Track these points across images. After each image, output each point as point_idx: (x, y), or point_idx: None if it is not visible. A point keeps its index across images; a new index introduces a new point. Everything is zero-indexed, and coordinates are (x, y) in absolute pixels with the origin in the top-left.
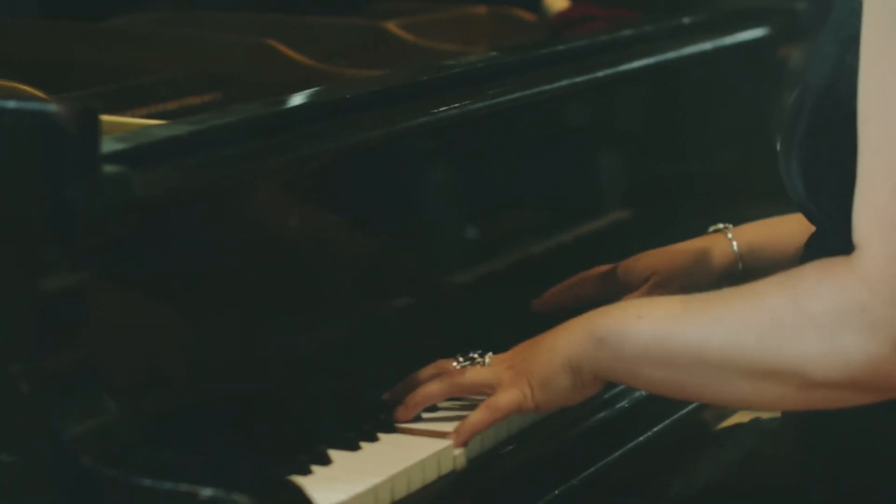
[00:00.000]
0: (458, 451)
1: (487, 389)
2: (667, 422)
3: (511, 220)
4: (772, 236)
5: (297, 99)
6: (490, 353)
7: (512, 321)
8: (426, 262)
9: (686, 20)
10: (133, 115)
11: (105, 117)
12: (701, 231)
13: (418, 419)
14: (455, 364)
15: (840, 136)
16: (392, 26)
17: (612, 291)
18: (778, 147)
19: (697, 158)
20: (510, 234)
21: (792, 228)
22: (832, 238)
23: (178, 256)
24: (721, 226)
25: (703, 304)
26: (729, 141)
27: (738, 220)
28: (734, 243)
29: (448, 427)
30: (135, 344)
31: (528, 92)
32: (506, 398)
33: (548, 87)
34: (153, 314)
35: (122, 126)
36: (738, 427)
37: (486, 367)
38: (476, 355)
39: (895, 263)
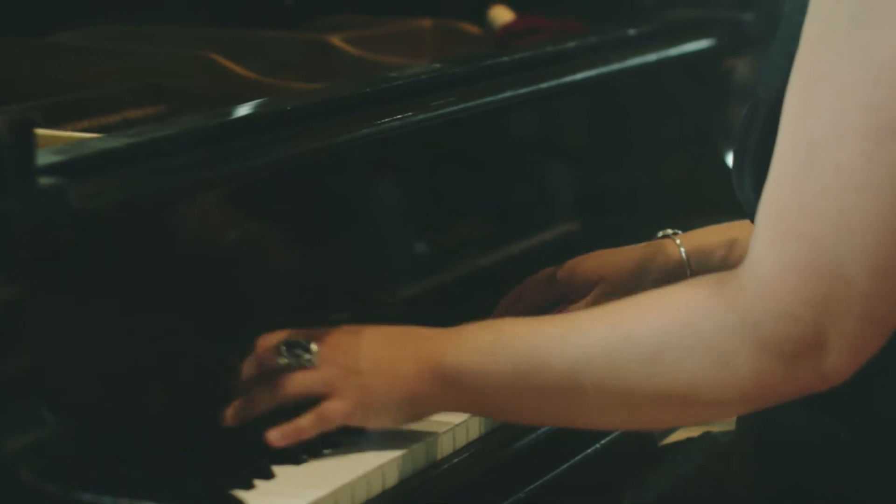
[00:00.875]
0: (402, 463)
1: (316, 395)
2: (615, 434)
3: (457, 233)
4: (720, 242)
5: (238, 110)
6: (314, 345)
7: None
8: (371, 275)
9: (631, 31)
10: (74, 129)
11: (43, 131)
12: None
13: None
14: (279, 352)
15: None
16: (336, 40)
17: (558, 296)
18: (729, 160)
19: (643, 170)
20: (456, 247)
21: (740, 234)
22: None
23: (117, 269)
24: (670, 231)
25: (574, 324)
26: (675, 152)
27: (685, 231)
28: (682, 249)
29: (396, 441)
30: (75, 357)
31: (471, 103)
32: (337, 410)
33: (491, 98)
34: (93, 327)
35: (60, 140)
36: (688, 441)
37: (315, 371)
38: (300, 350)
39: (789, 277)
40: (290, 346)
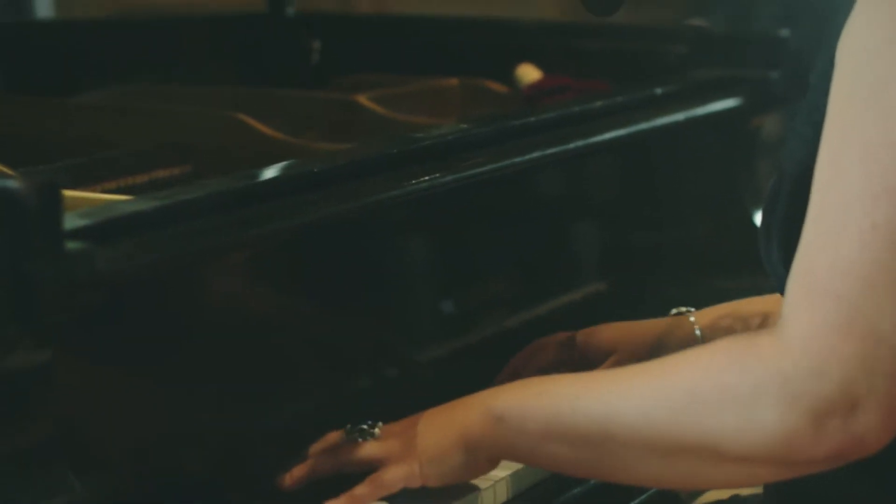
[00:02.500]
0: None
1: (376, 464)
2: (644, 495)
3: (484, 294)
4: (735, 319)
5: (265, 172)
6: (380, 424)
7: None
8: (398, 336)
9: (658, 91)
10: (101, 189)
11: (71, 192)
12: (674, 303)
13: None
14: (345, 435)
15: None
16: (363, 99)
17: (571, 361)
18: (757, 220)
19: (671, 229)
20: (483, 308)
21: (754, 310)
22: None
23: (145, 332)
24: (683, 309)
25: (611, 378)
26: (702, 211)
27: (711, 292)
28: (697, 328)
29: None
30: (101, 421)
31: (498, 164)
32: (392, 474)
33: (519, 158)
34: (120, 391)
35: (88, 201)
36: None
37: (375, 442)
38: (366, 426)
39: (821, 334)
40: (357, 428)
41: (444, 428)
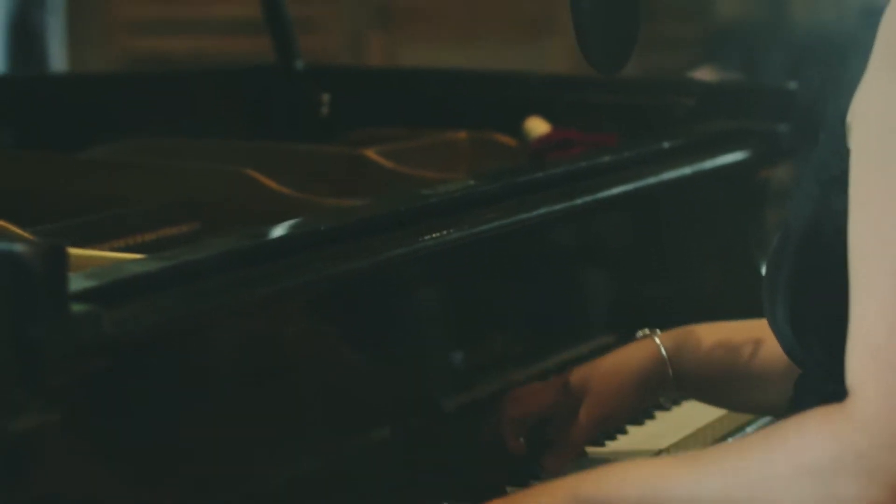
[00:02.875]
0: None
1: None
2: None
3: (493, 348)
4: (727, 350)
5: (272, 231)
6: None
7: (495, 451)
8: (409, 391)
9: (665, 144)
10: (110, 247)
11: (78, 251)
12: None
13: None
14: None
15: (828, 280)
16: (371, 153)
17: (555, 403)
18: (762, 286)
19: (679, 282)
20: (493, 363)
21: (747, 338)
22: (823, 382)
23: (153, 394)
24: (647, 331)
25: (691, 460)
26: (712, 264)
27: None
28: (662, 347)
29: None
30: (109, 485)
31: (505, 221)
32: None
33: (525, 215)
34: (128, 454)
35: (95, 260)
36: None
37: None
38: None
39: (891, 405)
40: None
41: None
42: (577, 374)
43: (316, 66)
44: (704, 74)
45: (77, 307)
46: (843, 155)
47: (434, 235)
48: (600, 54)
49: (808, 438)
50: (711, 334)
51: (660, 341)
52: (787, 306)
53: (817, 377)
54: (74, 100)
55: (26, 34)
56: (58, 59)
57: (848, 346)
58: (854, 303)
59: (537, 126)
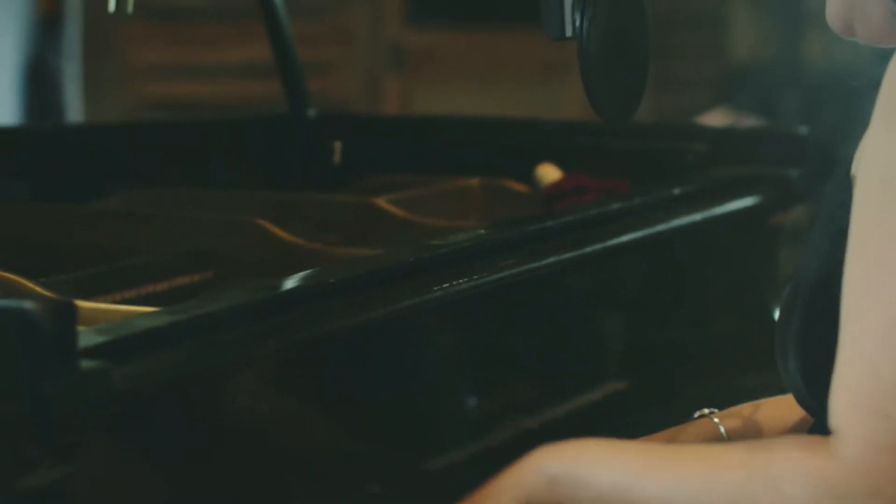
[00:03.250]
0: None
1: None
2: None
3: (507, 396)
4: (760, 420)
5: (282, 283)
6: None
7: None
8: (420, 440)
9: (676, 191)
10: (122, 298)
11: (90, 304)
12: (699, 401)
13: None
14: None
15: (837, 332)
16: (382, 202)
17: None
18: (774, 336)
19: (692, 329)
20: (507, 410)
21: (780, 411)
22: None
23: (166, 450)
24: (706, 411)
25: (667, 460)
26: (724, 309)
27: (734, 390)
28: (721, 428)
29: None
30: None
31: (516, 270)
32: None
33: (536, 264)
34: None
35: (106, 313)
36: None
37: None
38: None
39: (872, 452)
40: None
41: (495, 490)
42: None
43: (328, 114)
44: (718, 116)
45: (87, 364)
46: (848, 207)
47: (444, 286)
48: (608, 105)
49: (791, 468)
50: (767, 411)
51: (718, 421)
52: (798, 357)
53: (827, 426)
54: (86, 150)
55: (43, 80)
56: (74, 105)
57: (832, 389)
58: (841, 347)
59: (549, 173)
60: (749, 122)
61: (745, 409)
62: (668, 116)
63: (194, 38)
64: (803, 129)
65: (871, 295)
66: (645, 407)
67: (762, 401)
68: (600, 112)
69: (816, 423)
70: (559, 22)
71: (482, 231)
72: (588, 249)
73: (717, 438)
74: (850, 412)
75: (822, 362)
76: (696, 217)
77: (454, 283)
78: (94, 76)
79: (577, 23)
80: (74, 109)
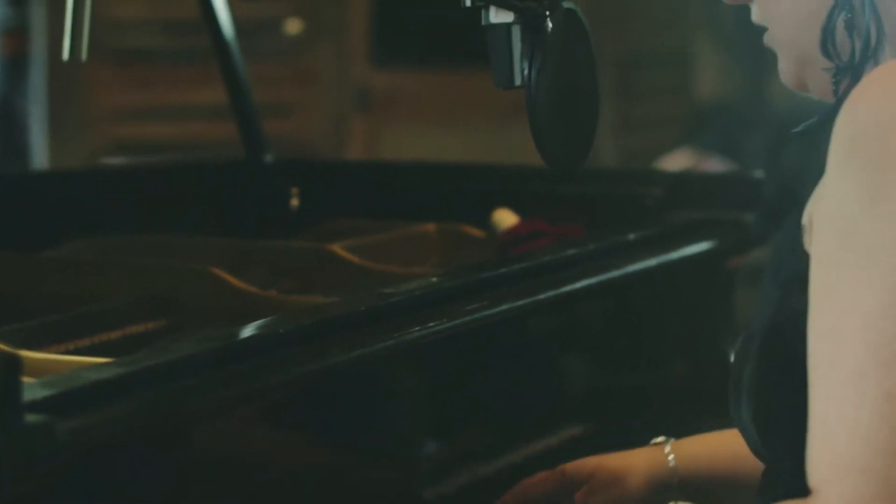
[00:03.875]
0: None
1: None
2: None
3: (463, 443)
4: (713, 452)
5: (233, 333)
6: None
7: None
8: (376, 487)
9: (632, 236)
10: (76, 347)
11: (39, 355)
12: None
13: None
14: None
15: (790, 380)
16: (338, 249)
17: (566, 493)
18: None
19: (650, 374)
20: (462, 457)
21: (733, 446)
22: (789, 480)
23: None
24: (661, 438)
25: None
26: (681, 353)
27: (690, 434)
28: (671, 456)
29: None
30: None
31: (468, 318)
32: None
33: (489, 311)
34: None
35: (56, 364)
36: None
37: None
38: None
39: None
40: None
41: None
42: (580, 466)
43: (285, 159)
44: (682, 156)
45: (31, 417)
46: (799, 255)
47: (398, 335)
48: (556, 154)
49: None
50: (720, 443)
51: (669, 449)
52: (751, 405)
53: (782, 474)
54: (40, 197)
55: (9, 123)
56: (40, 147)
57: (808, 448)
58: (813, 404)
59: (505, 218)
60: (713, 162)
61: (698, 439)
62: (632, 155)
63: (159, 81)
64: (759, 173)
65: (838, 349)
66: (602, 452)
67: (716, 433)
68: (549, 162)
69: (769, 471)
70: (508, 71)
71: (436, 279)
72: (542, 296)
73: (664, 467)
74: (828, 470)
75: (775, 411)
76: (652, 262)
77: (408, 331)
78: (59, 118)
79: (526, 72)
80: (40, 152)
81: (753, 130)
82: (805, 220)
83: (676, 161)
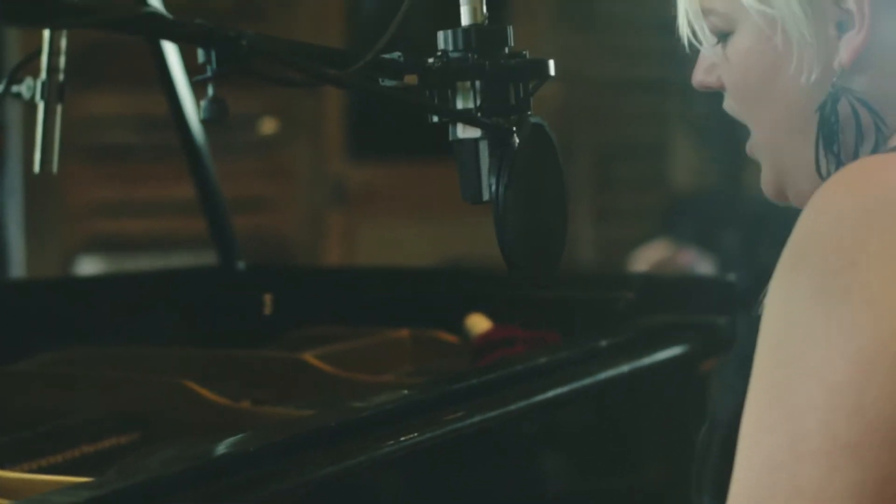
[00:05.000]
0: None
1: None
2: None
3: None
4: None
5: (203, 451)
6: None
7: None
8: None
9: (604, 342)
10: (48, 464)
11: (7, 474)
12: None
13: None
14: None
15: None
16: (311, 358)
17: None
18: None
19: (624, 479)
20: None
21: None
22: None
23: None
24: None
25: None
26: (655, 458)
27: None
28: None
29: None
30: None
31: (439, 431)
32: None
33: (460, 424)
34: None
35: (25, 483)
36: None
37: None
38: None
39: None
40: None
41: None
42: None
43: (258, 266)
44: (659, 248)
45: None
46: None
47: (369, 450)
48: (526, 267)
49: None
50: None
51: None
52: (714, 498)
53: None
54: (10, 307)
55: None
56: (17, 244)
57: None
58: (732, 485)
59: (478, 323)
60: (689, 254)
61: None
62: (609, 247)
63: (134, 177)
64: (731, 277)
65: (759, 437)
66: None
67: None
68: (518, 275)
69: None
70: (476, 186)
71: (408, 391)
72: (512, 407)
73: None
74: None
75: None
76: (625, 369)
77: (380, 446)
78: (35, 215)
79: (494, 188)
80: (16, 248)
81: (730, 222)
82: (761, 311)
83: (653, 253)
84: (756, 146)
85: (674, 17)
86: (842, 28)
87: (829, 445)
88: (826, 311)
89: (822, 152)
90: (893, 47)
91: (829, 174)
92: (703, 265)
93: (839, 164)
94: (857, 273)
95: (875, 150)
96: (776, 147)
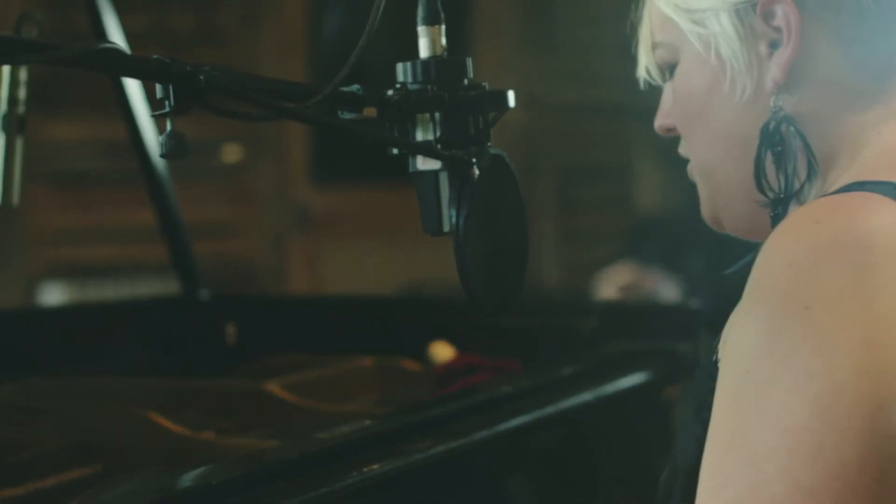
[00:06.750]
0: None
1: None
2: None
3: None
4: None
5: (165, 482)
6: None
7: None
8: None
9: (567, 370)
10: (10, 496)
11: None
12: None
13: None
14: None
15: None
16: (274, 387)
17: None
18: None
19: None
20: None
21: None
22: None
23: None
24: None
25: None
26: (619, 487)
27: None
28: None
29: None
30: None
31: (401, 462)
32: None
33: (420, 455)
34: None
35: None
36: None
37: None
38: None
39: None
40: None
41: None
42: None
43: (221, 295)
44: (623, 271)
45: None
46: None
47: (331, 482)
48: (486, 297)
49: None
50: None
51: None
52: None
53: None
54: None
55: None
56: None
57: None
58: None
59: (442, 351)
60: (654, 276)
61: None
62: (574, 269)
63: (97, 203)
64: (694, 303)
65: (719, 482)
66: None
67: None
68: (478, 305)
69: None
70: (436, 218)
71: (370, 422)
72: (475, 436)
73: None
74: None
75: None
76: (588, 396)
77: (342, 478)
78: None
79: (454, 219)
80: None
81: (694, 243)
82: (719, 353)
83: (618, 275)
84: (693, 168)
85: (636, 43)
86: (773, 46)
87: (790, 490)
88: (782, 357)
89: (769, 173)
90: (821, 61)
91: (777, 196)
92: (667, 287)
93: (789, 186)
94: (810, 317)
95: (809, 183)
96: (710, 169)
